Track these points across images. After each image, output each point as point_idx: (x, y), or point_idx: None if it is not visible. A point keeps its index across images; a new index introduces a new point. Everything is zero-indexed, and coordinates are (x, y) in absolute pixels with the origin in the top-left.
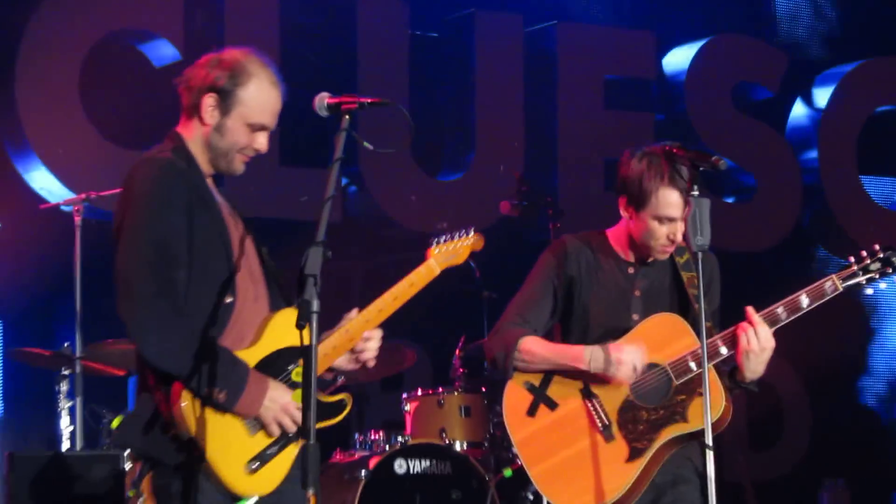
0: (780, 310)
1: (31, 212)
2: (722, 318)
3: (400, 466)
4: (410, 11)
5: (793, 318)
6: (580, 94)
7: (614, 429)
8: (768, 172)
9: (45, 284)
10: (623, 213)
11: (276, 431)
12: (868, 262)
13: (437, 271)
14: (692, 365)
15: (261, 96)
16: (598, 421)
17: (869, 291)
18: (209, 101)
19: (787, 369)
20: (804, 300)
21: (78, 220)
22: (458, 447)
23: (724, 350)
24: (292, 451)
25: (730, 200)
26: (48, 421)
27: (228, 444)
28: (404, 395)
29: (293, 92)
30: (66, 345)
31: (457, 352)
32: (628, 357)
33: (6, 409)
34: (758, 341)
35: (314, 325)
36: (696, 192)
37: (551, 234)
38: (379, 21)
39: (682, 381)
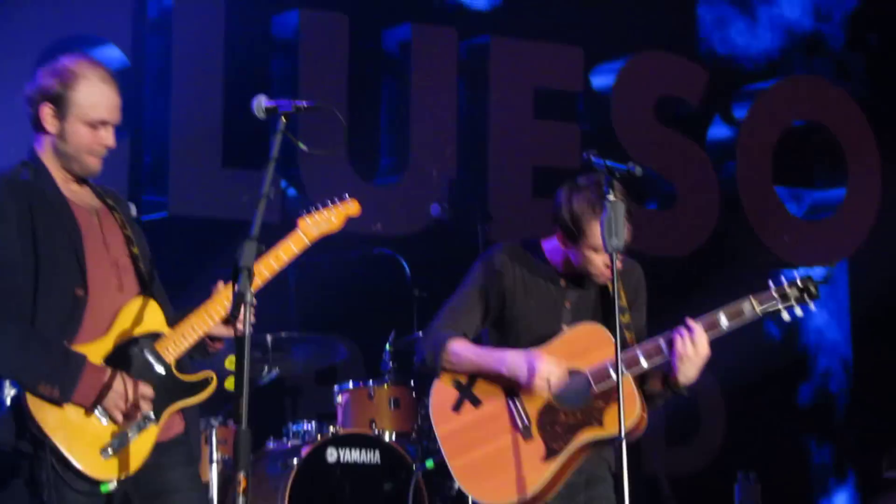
0: (719, 316)
1: None
2: (649, 324)
3: (331, 455)
4: (350, 24)
5: (711, 334)
6: (511, 103)
7: (533, 429)
8: (688, 182)
9: None
10: (561, 245)
11: (119, 419)
12: (787, 288)
13: (308, 241)
14: (611, 373)
15: (93, 94)
16: (518, 420)
17: (785, 317)
18: (47, 110)
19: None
20: (723, 320)
21: None
22: (386, 437)
23: (643, 362)
24: (151, 433)
25: (652, 207)
26: None
27: (81, 433)
28: (336, 388)
29: (237, 95)
30: None
31: (387, 346)
32: (544, 371)
33: None
34: (694, 347)
35: (247, 315)
36: (611, 197)
37: (480, 238)
38: (320, 32)
39: (600, 387)
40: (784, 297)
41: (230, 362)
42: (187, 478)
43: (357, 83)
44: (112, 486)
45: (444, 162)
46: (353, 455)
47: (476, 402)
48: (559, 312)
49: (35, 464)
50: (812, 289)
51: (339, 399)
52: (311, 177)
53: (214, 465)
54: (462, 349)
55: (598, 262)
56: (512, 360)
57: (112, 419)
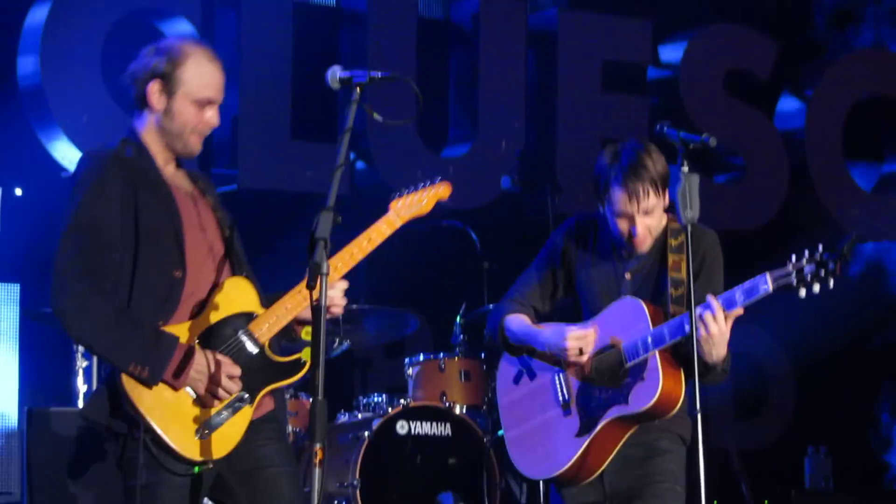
0: (738, 294)
1: (51, 180)
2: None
3: (402, 427)
4: None
5: (747, 303)
6: (579, 76)
7: (572, 403)
8: (757, 154)
9: None
10: (599, 210)
11: (211, 401)
12: (805, 264)
13: (398, 223)
14: (640, 349)
15: (200, 72)
16: (560, 395)
17: (802, 294)
18: (154, 87)
19: (771, 344)
20: (738, 297)
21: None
22: (457, 410)
23: (668, 337)
24: (246, 414)
25: (720, 181)
26: (66, 380)
27: (176, 413)
28: (406, 360)
29: (305, 68)
30: None
31: (458, 319)
32: (573, 343)
33: (25, 367)
34: (706, 328)
35: (324, 286)
36: (685, 169)
37: (550, 210)
38: (389, 2)
39: (632, 363)
40: (800, 273)
41: (305, 333)
42: (280, 453)
43: (426, 54)
44: (208, 467)
45: (513, 134)
46: (424, 427)
47: (532, 376)
48: (619, 284)
49: (129, 444)
50: (831, 265)
51: (410, 371)
52: (380, 149)
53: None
54: (514, 326)
55: (623, 229)
56: (545, 336)
57: (201, 400)
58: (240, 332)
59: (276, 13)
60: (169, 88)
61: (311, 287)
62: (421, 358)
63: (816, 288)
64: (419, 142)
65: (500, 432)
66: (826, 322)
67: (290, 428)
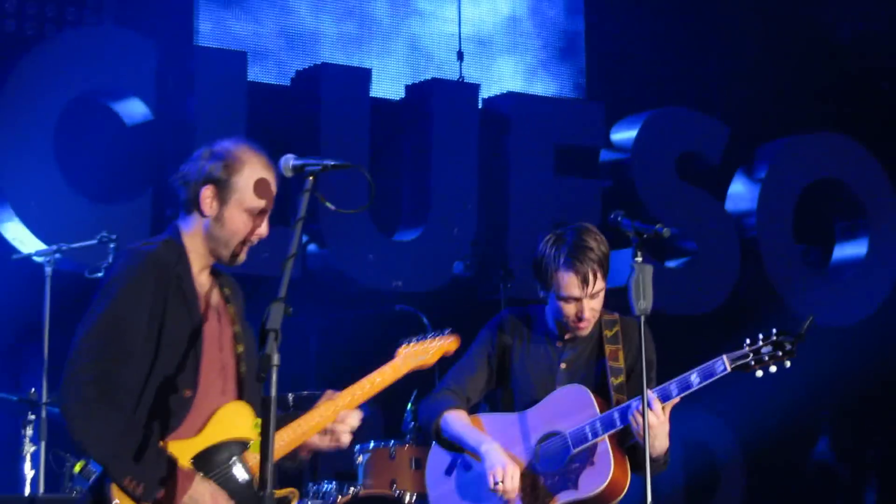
0: (672, 387)
1: (2, 261)
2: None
3: None
4: (374, 76)
5: (684, 394)
6: (532, 160)
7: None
8: (708, 238)
9: (14, 332)
10: (542, 295)
11: None
12: (760, 344)
13: (403, 371)
14: (589, 434)
15: (256, 181)
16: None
17: (759, 374)
18: (207, 192)
19: (722, 428)
20: (694, 379)
21: (48, 270)
22: (407, 498)
23: (618, 421)
24: None
25: (672, 265)
26: (12, 465)
27: None
28: (357, 447)
29: (260, 147)
30: (32, 390)
31: (409, 406)
32: (499, 475)
33: None
34: (649, 420)
35: (273, 378)
36: (639, 259)
37: (502, 295)
38: (342, 84)
39: (578, 449)
40: (757, 354)
41: (256, 425)
42: None
43: (379, 136)
44: None
45: (465, 218)
46: None
47: (467, 466)
48: (555, 374)
49: None
50: (788, 345)
51: (360, 458)
52: (333, 232)
53: None
54: (452, 423)
55: (569, 313)
56: (485, 451)
57: None
58: (234, 459)
59: (230, 93)
60: (223, 196)
61: (260, 380)
62: (371, 445)
63: (773, 368)
64: (372, 226)
65: None
66: (776, 409)
67: None
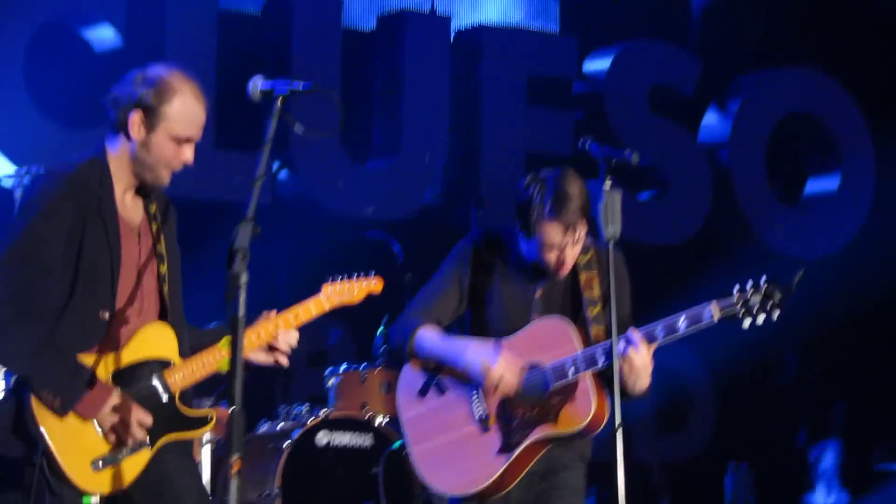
0: (658, 330)
1: None
2: (637, 316)
3: (322, 438)
4: (345, 7)
5: (670, 338)
6: (504, 90)
7: (491, 421)
8: (680, 170)
9: None
10: (519, 235)
11: (113, 439)
12: (749, 294)
13: (326, 307)
14: (570, 371)
15: (186, 111)
16: (476, 411)
17: (745, 324)
18: (135, 117)
19: (692, 356)
20: (681, 323)
21: (18, 193)
22: (378, 421)
23: (601, 361)
24: (143, 456)
25: (643, 197)
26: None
27: (75, 440)
28: (328, 371)
29: (229, 76)
30: None
31: (379, 330)
32: (496, 373)
33: None
34: (629, 362)
35: (242, 297)
36: (608, 185)
37: (473, 222)
38: (314, 13)
39: (558, 384)
40: (745, 304)
41: (224, 343)
42: (184, 468)
43: (350, 65)
44: (95, 500)
45: (436, 146)
46: (344, 438)
47: (442, 389)
48: (529, 303)
49: (26, 467)
50: (776, 298)
51: (331, 382)
52: (303, 158)
53: (207, 447)
54: (428, 338)
55: (551, 259)
56: (470, 356)
57: (106, 438)
58: (153, 378)
59: (201, 21)
60: (151, 122)
61: (229, 298)
62: (342, 368)
63: (761, 319)
64: (343, 153)
65: (397, 444)
66: (746, 338)
67: (210, 436)
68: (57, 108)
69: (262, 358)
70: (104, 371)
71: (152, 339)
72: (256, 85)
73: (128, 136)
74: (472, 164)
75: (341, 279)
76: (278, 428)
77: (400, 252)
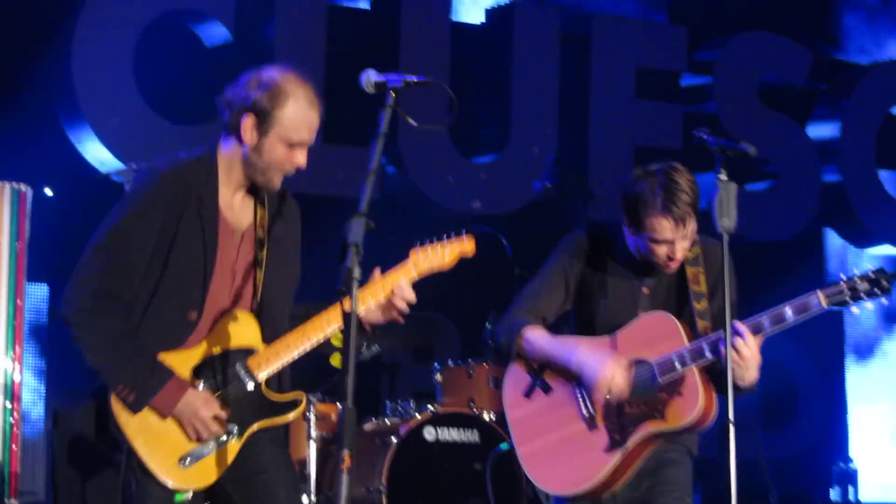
0: (764, 320)
1: (81, 181)
2: (741, 310)
3: (429, 433)
4: (452, 1)
5: (777, 328)
6: (613, 83)
7: (598, 419)
8: (790, 164)
9: None
10: (627, 230)
11: (192, 435)
12: (857, 281)
13: (415, 275)
14: (677, 365)
15: (298, 116)
16: (584, 410)
17: (855, 311)
18: (248, 121)
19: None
20: (788, 312)
21: (128, 189)
22: (485, 416)
23: (708, 353)
24: (233, 448)
25: (753, 189)
26: (92, 378)
27: (160, 440)
28: (435, 366)
29: (337, 69)
30: None
31: (487, 325)
32: (607, 378)
33: (52, 366)
34: (739, 353)
35: (355, 292)
36: (723, 177)
37: (581, 216)
38: (422, 7)
39: (665, 379)
40: (853, 290)
41: (336, 339)
42: (278, 459)
43: (459, 60)
44: (187, 497)
45: (545, 140)
46: (451, 434)
47: (547, 389)
48: (637, 299)
49: (113, 467)
50: (884, 282)
51: (438, 377)
52: (411, 154)
53: (312, 443)
54: (535, 338)
55: (660, 254)
56: (580, 358)
57: (187, 434)
58: (237, 367)
59: (311, 16)
60: (264, 127)
61: (341, 294)
62: (450, 364)
63: (869, 305)
64: (451, 146)
65: (503, 446)
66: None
67: (317, 433)
68: (166, 103)
69: (377, 317)
70: (185, 367)
71: (234, 329)
72: (370, 77)
73: (240, 140)
74: (581, 158)
75: (430, 242)
76: (387, 423)
77: (508, 246)
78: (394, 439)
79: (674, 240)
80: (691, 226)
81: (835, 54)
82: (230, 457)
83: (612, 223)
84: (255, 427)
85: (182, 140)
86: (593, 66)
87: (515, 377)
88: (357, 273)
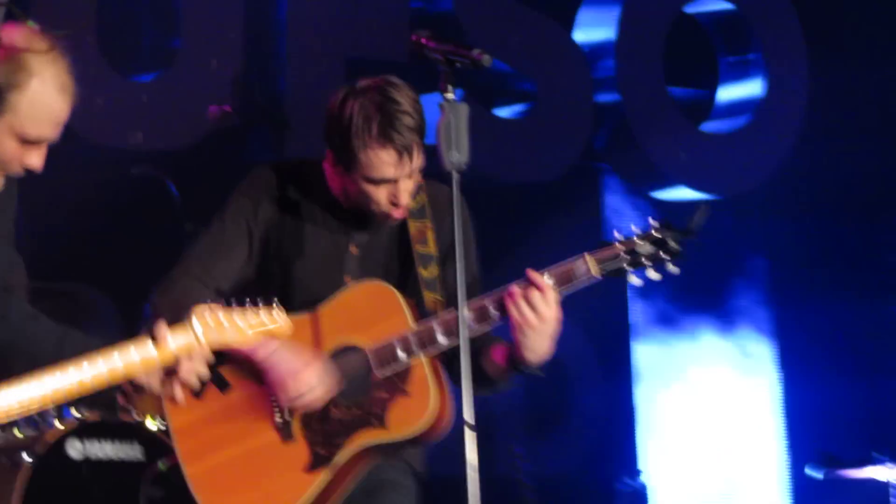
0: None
1: None
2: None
3: (75, 450)
4: None
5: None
6: None
7: (295, 427)
8: (551, 80)
9: None
10: (332, 170)
11: None
12: (637, 242)
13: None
14: (400, 354)
15: (39, 104)
16: (276, 414)
17: (636, 282)
18: None
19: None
20: (547, 282)
21: None
22: (151, 425)
23: (441, 339)
24: None
25: (503, 114)
26: None
27: None
28: None
29: None
30: None
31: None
32: (303, 384)
33: None
34: (534, 311)
35: None
36: (450, 96)
37: (274, 152)
38: None
39: (384, 372)
40: (632, 254)
41: None
42: None
43: None
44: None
45: (226, 50)
46: (105, 449)
47: (223, 386)
48: (342, 261)
49: None
50: (672, 243)
51: None
52: None
53: None
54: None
55: (381, 198)
56: (267, 351)
57: None
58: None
59: None
60: None
61: None
62: None
63: (654, 275)
64: (103, 60)
65: (162, 465)
66: None
67: None
68: None
69: None
70: None
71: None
72: None
73: None
74: (274, 75)
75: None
76: (16, 436)
77: (177, 194)
78: (26, 458)
79: (397, 178)
80: (418, 160)
81: None
82: None
83: (311, 160)
84: None
85: None
86: None
87: None
88: None
